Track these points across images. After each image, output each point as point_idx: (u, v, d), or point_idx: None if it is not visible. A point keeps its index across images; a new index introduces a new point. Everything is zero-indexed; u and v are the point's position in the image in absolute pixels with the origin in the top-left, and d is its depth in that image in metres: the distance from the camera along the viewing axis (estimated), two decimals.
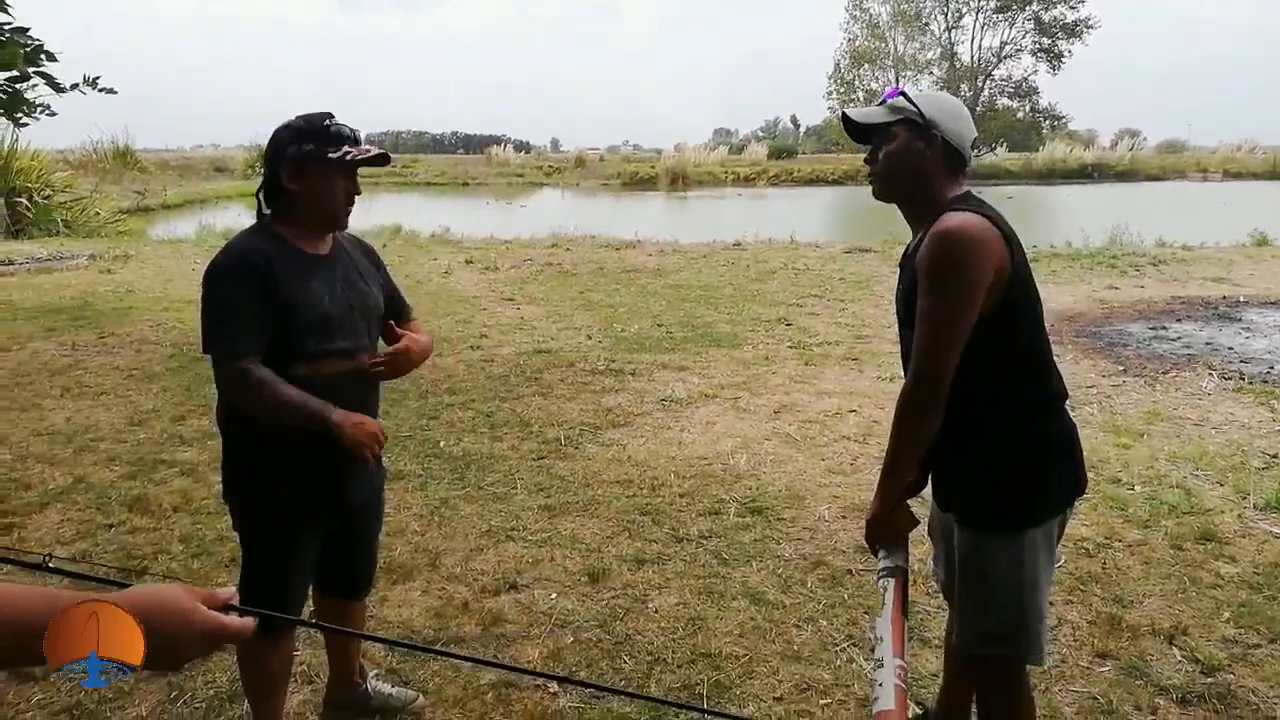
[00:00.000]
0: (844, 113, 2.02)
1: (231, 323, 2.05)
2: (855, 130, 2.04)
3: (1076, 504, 2.06)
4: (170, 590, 1.03)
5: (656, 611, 3.22)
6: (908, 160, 1.95)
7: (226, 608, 1.06)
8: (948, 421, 1.99)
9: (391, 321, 2.35)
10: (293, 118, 2.15)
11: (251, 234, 2.17)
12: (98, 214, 18.20)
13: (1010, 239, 1.85)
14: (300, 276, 2.12)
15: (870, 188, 2.05)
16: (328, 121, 2.13)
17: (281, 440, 2.11)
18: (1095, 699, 2.70)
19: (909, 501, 2.06)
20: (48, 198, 17.01)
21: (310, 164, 2.10)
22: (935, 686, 2.71)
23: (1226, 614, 3.16)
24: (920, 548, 3.58)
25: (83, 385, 6.14)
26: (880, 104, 2.00)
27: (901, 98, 1.96)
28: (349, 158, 2.11)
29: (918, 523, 2.08)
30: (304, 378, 2.10)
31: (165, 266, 11.88)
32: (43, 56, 6.24)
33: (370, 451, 2.07)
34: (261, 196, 2.19)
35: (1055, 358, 2.05)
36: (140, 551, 3.66)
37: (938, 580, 2.36)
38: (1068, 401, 2.03)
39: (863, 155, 2.06)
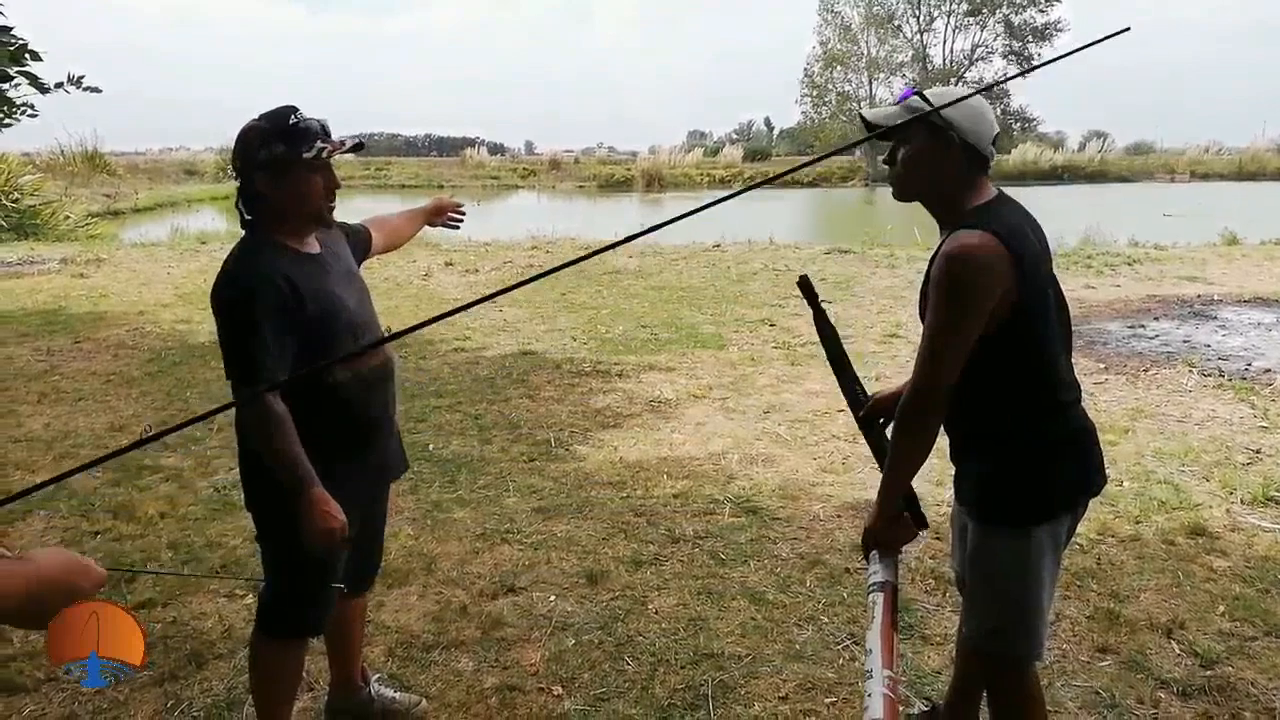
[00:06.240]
0: (861, 114, 1.97)
1: (255, 351, 1.96)
2: (873, 130, 1.98)
3: (1090, 504, 2.06)
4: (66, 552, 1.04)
5: (657, 613, 3.20)
6: (925, 163, 1.89)
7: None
8: (959, 421, 1.99)
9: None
10: (256, 117, 2.04)
11: (255, 251, 2.05)
12: (68, 218, 17.90)
13: (1022, 259, 1.79)
14: (323, 283, 2.08)
15: (891, 189, 2.02)
16: (294, 119, 2.01)
17: (326, 452, 2.05)
18: (1098, 693, 2.71)
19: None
20: (16, 201, 16.71)
21: (284, 166, 2.00)
22: (939, 683, 2.72)
23: (1221, 607, 3.19)
24: (915, 546, 3.60)
25: (60, 391, 6.04)
26: (897, 104, 1.93)
27: (917, 98, 1.88)
28: (325, 154, 2.02)
29: (914, 535, 2.08)
30: (346, 381, 2.08)
31: (139, 270, 11.71)
32: (27, 56, 6.07)
33: (322, 542, 1.99)
34: (241, 204, 2.08)
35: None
36: (128, 559, 3.59)
37: (953, 573, 2.37)
38: None
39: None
